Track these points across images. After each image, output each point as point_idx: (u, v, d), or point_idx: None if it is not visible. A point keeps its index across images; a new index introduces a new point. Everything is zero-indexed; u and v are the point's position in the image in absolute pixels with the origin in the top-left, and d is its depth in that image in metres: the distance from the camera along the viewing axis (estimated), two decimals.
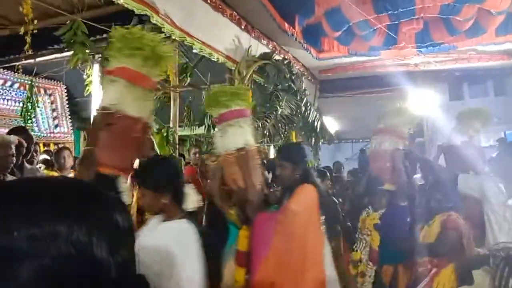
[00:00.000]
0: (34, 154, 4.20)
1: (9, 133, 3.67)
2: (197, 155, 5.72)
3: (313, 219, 2.46)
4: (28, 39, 3.72)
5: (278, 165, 2.75)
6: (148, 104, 2.31)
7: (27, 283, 0.52)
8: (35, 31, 3.80)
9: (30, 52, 3.80)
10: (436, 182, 3.09)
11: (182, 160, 5.34)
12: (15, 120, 7.39)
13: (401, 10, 5.15)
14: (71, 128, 8.84)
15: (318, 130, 7.95)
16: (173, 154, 5.18)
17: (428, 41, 6.42)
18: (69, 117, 8.85)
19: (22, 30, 3.81)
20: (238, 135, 2.67)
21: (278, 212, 2.45)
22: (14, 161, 3.10)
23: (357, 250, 3.56)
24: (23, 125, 5.77)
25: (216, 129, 2.89)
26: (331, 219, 3.31)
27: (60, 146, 6.90)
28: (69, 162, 4.54)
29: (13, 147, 2.99)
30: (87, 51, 4.03)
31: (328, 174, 5.05)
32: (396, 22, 5.68)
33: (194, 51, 5.33)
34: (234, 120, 2.69)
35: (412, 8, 5.10)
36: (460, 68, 9.00)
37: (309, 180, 2.56)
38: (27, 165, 3.64)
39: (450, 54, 8.05)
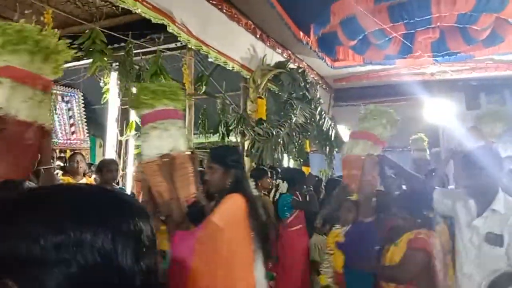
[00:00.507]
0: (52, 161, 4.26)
1: None
2: None
3: (239, 234, 2.03)
4: None
5: (206, 168, 2.25)
6: (44, 106, 2.04)
7: None
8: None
9: None
10: (407, 195, 2.73)
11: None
12: None
13: (417, 19, 5.12)
14: (87, 135, 8.96)
15: (332, 139, 7.91)
16: None
17: (444, 50, 6.37)
18: (86, 124, 8.98)
19: None
20: (163, 139, 2.31)
21: (197, 228, 2.02)
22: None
23: (322, 273, 3.24)
24: None
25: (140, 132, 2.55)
26: None
27: (74, 152, 6.98)
28: (82, 167, 4.59)
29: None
30: (105, 59, 4.09)
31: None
32: (412, 31, 5.66)
33: (210, 59, 5.38)
34: (159, 122, 2.33)
35: (429, 17, 5.07)
36: (477, 77, 8.90)
37: (239, 189, 2.12)
38: (43, 171, 3.69)
39: (467, 63, 7.97)
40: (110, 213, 0.59)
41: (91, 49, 3.95)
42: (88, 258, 0.54)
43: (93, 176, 6.06)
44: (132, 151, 5.80)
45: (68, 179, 4.46)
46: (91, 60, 4.32)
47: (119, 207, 0.61)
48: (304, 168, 7.08)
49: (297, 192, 4.37)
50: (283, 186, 4.44)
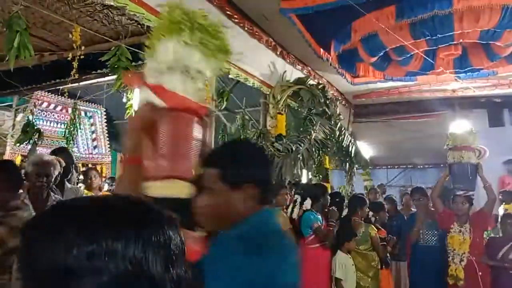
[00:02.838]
0: (75, 174, 4.35)
1: (52, 153, 3.81)
2: None
3: None
4: (75, 64, 3.90)
5: None
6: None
7: None
8: (81, 56, 3.98)
9: (76, 76, 3.98)
10: None
11: None
12: (57, 141, 7.69)
13: (439, 35, 5.09)
14: (109, 149, 9.11)
15: (352, 155, 7.86)
16: None
17: (467, 66, 6.29)
18: (108, 138, 9.14)
19: (70, 56, 4.00)
20: None
21: None
22: (55, 181, 3.21)
23: None
24: (65, 146, 6.00)
25: None
26: None
27: (88, 167, 7.11)
28: (96, 182, 4.67)
29: (54, 167, 3.09)
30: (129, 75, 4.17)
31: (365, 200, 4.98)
32: (434, 47, 5.62)
33: (230, 76, 5.43)
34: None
35: (451, 34, 5.03)
36: (500, 94, 8.75)
37: None
38: (68, 185, 3.76)
39: (490, 79, 7.85)
40: (140, 222, 0.59)
41: (116, 66, 4.04)
42: (120, 267, 0.54)
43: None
44: None
45: (91, 193, 4.54)
46: (115, 76, 4.42)
47: (149, 216, 0.62)
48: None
49: (317, 220, 4.34)
50: (308, 203, 4.42)
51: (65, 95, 6.48)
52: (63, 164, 3.41)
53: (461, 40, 5.38)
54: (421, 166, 9.17)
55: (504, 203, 7.88)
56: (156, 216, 0.63)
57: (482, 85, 8.24)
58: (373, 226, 4.73)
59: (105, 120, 9.14)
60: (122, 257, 0.55)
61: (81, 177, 5.65)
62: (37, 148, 6.07)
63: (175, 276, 0.59)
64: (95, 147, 8.90)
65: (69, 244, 0.54)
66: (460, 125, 9.10)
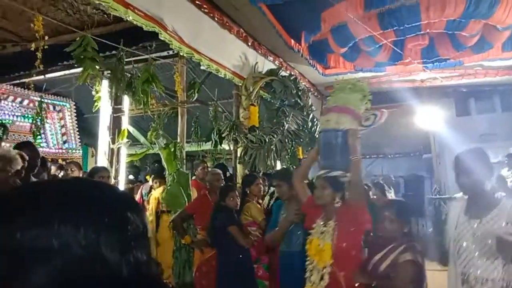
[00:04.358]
0: (42, 169, 4.23)
1: (15, 148, 3.69)
2: (205, 170, 5.74)
3: None
4: (39, 54, 3.77)
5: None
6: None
7: (40, 286, 0.51)
8: (45, 47, 3.86)
9: (41, 68, 3.85)
10: None
11: (189, 174, 5.35)
12: (24, 136, 7.47)
13: (407, 26, 5.19)
14: (80, 144, 8.91)
15: None
16: (181, 168, 5.19)
17: (434, 56, 6.44)
18: (78, 133, 8.94)
19: (33, 47, 3.87)
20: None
21: None
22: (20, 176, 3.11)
23: None
24: (31, 140, 5.83)
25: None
26: None
27: (68, 161, 6.95)
28: (75, 175, 4.58)
29: (11, 161, 2.99)
30: (97, 67, 4.07)
31: None
32: (402, 38, 5.72)
33: (202, 67, 5.39)
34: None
35: (418, 24, 5.13)
36: (467, 84, 9.01)
37: None
38: (33, 179, 3.66)
39: (456, 69, 8.06)
40: (93, 205, 0.57)
41: (82, 57, 3.93)
42: (71, 250, 0.52)
43: None
44: (124, 159, 5.76)
45: None
46: (82, 68, 4.31)
47: (102, 199, 0.60)
48: None
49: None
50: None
51: (30, 87, 6.28)
52: (26, 158, 3.31)
53: (428, 30, 5.50)
54: (391, 156, 9.36)
55: None
56: (111, 199, 0.61)
57: (449, 75, 8.46)
58: None
59: (75, 114, 8.92)
60: (73, 240, 0.53)
61: (61, 172, 5.53)
62: (2, 144, 5.88)
63: (132, 259, 0.57)
64: (65, 142, 8.69)
65: (16, 227, 0.52)
66: (428, 115, 9.34)
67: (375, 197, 6.76)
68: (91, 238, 0.54)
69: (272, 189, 5.01)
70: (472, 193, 2.53)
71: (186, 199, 5.01)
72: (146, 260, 0.60)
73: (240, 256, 3.80)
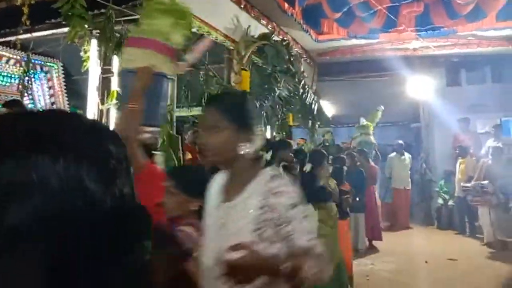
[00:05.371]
0: None
1: (3, 106, 3.65)
2: (196, 134, 5.74)
3: None
4: (26, 10, 3.66)
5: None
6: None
7: (20, 225, 0.48)
8: (32, 3, 3.74)
9: (27, 24, 3.74)
10: None
11: (179, 138, 5.34)
12: (11, 96, 7.33)
13: None
14: (68, 105, 8.79)
15: (315, 113, 7.94)
16: (171, 132, 5.17)
17: (428, 24, 6.40)
18: (66, 95, 8.80)
19: (19, 1, 3.75)
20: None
21: None
22: None
23: None
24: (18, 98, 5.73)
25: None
26: None
27: None
28: None
29: None
30: (85, 25, 3.96)
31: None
32: (397, 4, 5.66)
33: (193, 29, 5.28)
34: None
35: None
36: (458, 54, 9.00)
37: None
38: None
39: (449, 39, 8.03)
40: (72, 136, 0.55)
41: (70, 14, 3.81)
42: (50, 183, 0.50)
43: None
44: (113, 121, 5.71)
45: None
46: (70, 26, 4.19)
47: (82, 130, 0.57)
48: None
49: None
50: (268, 155, 4.47)
51: (17, 47, 6.11)
52: None
53: None
54: (382, 125, 9.42)
55: (460, 157, 8.28)
56: (92, 131, 0.58)
57: (442, 44, 8.44)
58: (332, 179, 4.88)
59: (63, 76, 8.74)
60: (52, 173, 0.50)
61: None
62: None
63: (117, 192, 0.55)
64: (52, 104, 8.54)
65: None
66: (418, 84, 9.37)
67: (359, 163, 6.93)
68: (72, 170, 0.51)
69: (261, 153, 5.04)
70: None
71: (177, 163, 5.02)
72: (131, 193, 0.59)
73: None
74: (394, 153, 9.21)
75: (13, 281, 0.49)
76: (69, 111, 0.64)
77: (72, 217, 0.51)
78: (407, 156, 9.17)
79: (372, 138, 8.50)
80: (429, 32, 6.91)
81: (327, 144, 8.74)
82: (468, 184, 7.40)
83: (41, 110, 0.60)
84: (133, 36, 2.39)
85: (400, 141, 9.26)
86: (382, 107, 8.63)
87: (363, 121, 8.54)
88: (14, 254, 0.49)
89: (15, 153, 0.50)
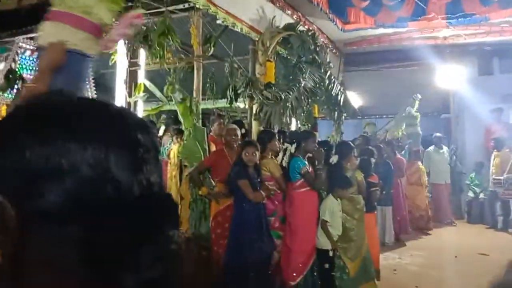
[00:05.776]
0: None
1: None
2: (221, 125, 5.78)
3: None
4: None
5: None
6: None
7: (53, 209, 0.50)
8: None
9: None
10: None
11: (205, 129, 5.39)
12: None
13: None
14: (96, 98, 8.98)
15: (341, 104, 7.83)
16: (197, 123, 5.21)
17: (459, 12, 6.19)
18: (94, 88, 8.97)
19: None
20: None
21: None
22: None
23: None
24: None
25: None
26: None
27: None
28: None
29: None
30: (113, 19, 4.01)
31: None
32: None
33: (218, 21, 5.28)
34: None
35: None
36: (491, 42, 8.68)
37: None
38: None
39: (481, 26, 7.75)
40: (101, 124, 0.56)
41: None
42: (80, 170, 0.51)
43: None
44: (140, 113, 5.80)
45: None
46: None
47: (111, 119, 0.58)
48: None
49: (305, 165, 4.32)
50: (292, 147, 4.46)
51: None
52: None
53: None
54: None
55: (495, 149, 8.01)
56: (120, 119, 0.58)
57: (474, 32, 8.15)
58: (359, 171, 4.81)
59: (91, 69, 8.92)
60: (81, 160, 0.51)
61: None
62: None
63: (144, 180, 0.56)
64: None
65: (24, 146, 0.51)
66: (449, 74, 9.09)
67: (385, 155, 6.80)
68: (101, 158, 0.52)
69: (285, 145, 5.02)
70: None
71: (202, 153, 5.06)
72: (159, 181, 0.59)
73: (252, 208, 3.89)
74: (432, 147, 8.80)
75: (48, 262, 0.52)
76: (97, 100, 0.64)
77: (101, 203, 0.52)
78: (445, 149, 8.81)
79: (419, 129, 8.24)
80: (460, 19, 6.68)
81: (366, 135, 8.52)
82: (500, 177, 7.17)
83: (78, 98, 0.61)
84: (51, 10, 2.00)
85: (438, 134, 8.89)
86: (419, 96, 8.32)
87: (410, 111, 8.23)
88: (48, 238, 0.51)
89: (45, 140, 0.52)
